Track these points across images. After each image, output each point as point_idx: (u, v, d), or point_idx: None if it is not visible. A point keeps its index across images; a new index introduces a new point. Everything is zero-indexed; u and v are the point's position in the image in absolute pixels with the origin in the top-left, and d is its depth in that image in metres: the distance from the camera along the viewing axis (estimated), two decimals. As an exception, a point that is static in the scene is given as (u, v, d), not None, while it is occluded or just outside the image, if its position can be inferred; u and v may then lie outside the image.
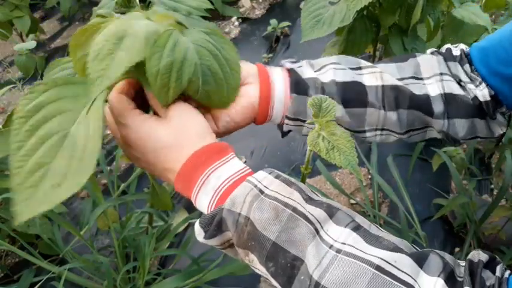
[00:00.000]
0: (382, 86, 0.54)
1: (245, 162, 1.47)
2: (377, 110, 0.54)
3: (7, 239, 1.03)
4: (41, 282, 0.91)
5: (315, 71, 0.54)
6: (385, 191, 1.15)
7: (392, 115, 0.55)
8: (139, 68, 0.41)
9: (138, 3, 0.68)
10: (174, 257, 1.17)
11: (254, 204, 0.39)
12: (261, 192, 0.40)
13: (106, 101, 0.46)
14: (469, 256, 0.37)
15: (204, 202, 0.42)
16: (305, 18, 1.02)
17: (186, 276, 0.91)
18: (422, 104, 0.54)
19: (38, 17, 2.38)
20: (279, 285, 0.38)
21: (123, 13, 0.52)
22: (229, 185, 0.41)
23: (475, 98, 0.55)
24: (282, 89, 0.52)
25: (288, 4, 2.26)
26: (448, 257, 0.37)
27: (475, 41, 0.76)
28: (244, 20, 2.18)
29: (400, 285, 0.34)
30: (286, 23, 1.97)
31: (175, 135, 0.44)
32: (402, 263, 0.35)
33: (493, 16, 1.54)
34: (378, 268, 0.35)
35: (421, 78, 0.56)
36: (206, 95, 0.46)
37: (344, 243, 0.37)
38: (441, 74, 0.56)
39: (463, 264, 0.37)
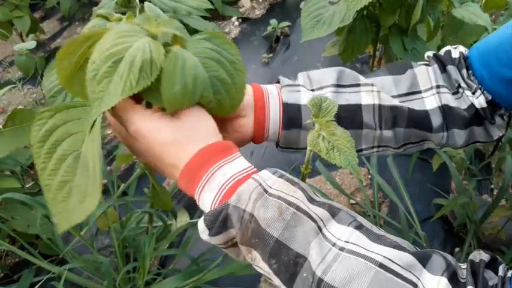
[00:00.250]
0: (379, 105, 0.55)
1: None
2: (373, 130, 0.55)
3: (7, 239, 1.03)
4: (41, 282, 0.91)
5: (313, 90, 0.55)
6: (385, 191, 1.16)
7: (389, 133, 0.56)
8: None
9: (138, 3, 0.68)
10: (174, 257, 1.17)
11: (258, 203, 0.39)
12: (265, 191, 0.40)
13: None
14: (471, 256, 0.38)
15: (208, 198, 0.42)
16: (305, 18, 1.02)
17: (186, 276, 0.91)
18: (421, 121, 0.56)
19: (38, 17, 2.37)
20: (280, 283, 0.39)
21: (123, 13, 0.52)
22: (234, 183, 0.42)
23: (471, 105, 0.56)
24: (277, 119, 0.54)
25: (288, 4, 2.26)
26: (450, 258, 0.37)
27: (475, 41, 0.76)
28: (244, 20, 2.18)
29: (403, 282, 0.34)
30: (286, 23, 1.97)
31: (185, 132, 0.44)
32: (405, 261, 0.35)
33: (493, 16, 1.55)
34: (381, 265, 0.35)
35: (419, 92, 0.57)
36: (218, 103, 0.47)
37: (347, 242, 0.37)
38: (438, 86, 0.57)
39: (464, 266, 0.37)
